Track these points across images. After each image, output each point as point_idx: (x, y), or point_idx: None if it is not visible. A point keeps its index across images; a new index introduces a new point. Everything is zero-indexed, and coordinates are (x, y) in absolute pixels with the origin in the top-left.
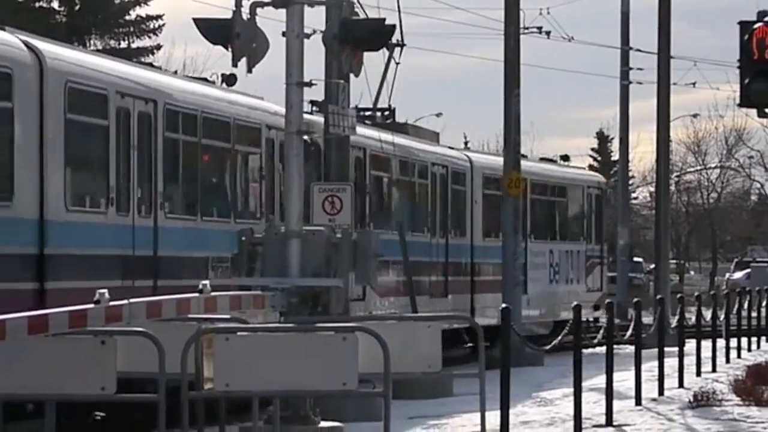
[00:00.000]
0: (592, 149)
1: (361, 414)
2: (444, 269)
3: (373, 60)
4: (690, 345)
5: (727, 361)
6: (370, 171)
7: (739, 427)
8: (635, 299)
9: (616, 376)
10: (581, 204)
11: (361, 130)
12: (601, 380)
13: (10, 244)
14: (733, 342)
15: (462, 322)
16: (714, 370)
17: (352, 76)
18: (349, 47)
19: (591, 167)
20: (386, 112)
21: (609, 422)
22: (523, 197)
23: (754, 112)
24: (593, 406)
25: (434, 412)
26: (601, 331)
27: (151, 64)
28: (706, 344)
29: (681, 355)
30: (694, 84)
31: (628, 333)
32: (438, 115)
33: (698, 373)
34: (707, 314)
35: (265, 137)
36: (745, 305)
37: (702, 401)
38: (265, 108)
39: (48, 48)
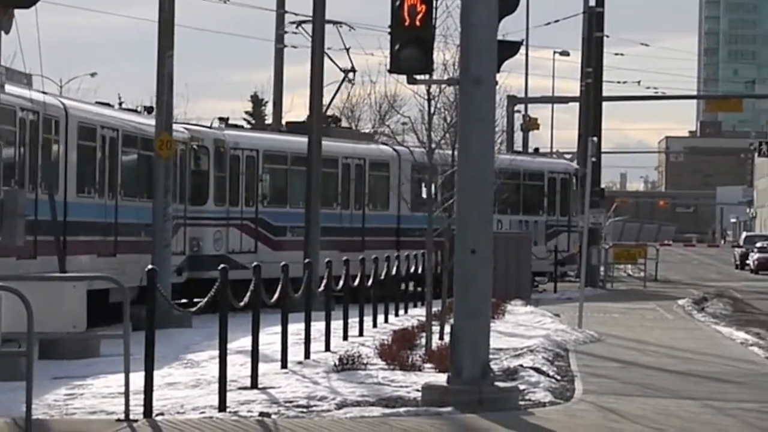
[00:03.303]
0: (247, 112)
1: (7, 373)
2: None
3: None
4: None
5: (374, 325)
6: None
7: (383, 391)
8: (282, 263)
9: (265, 338)
10: (548, 185)
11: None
12: (249, 342)
13: None
14: (381, 307)
15: (108, 282)
16: (361, 334)
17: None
18: None
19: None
20: (330, 119)
21: (254, 385)
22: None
23: (404, 78)
24: (240, 368)
25: (80, 372)
26: (248, 294)
27: None
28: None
29: (328, 319)
30: (348, 49)
31: (275, 296)
32: (93, 74)
33: (345, 337)
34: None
35: None
36: (393, 270)
37: (347, 365)
38: None
39: None
